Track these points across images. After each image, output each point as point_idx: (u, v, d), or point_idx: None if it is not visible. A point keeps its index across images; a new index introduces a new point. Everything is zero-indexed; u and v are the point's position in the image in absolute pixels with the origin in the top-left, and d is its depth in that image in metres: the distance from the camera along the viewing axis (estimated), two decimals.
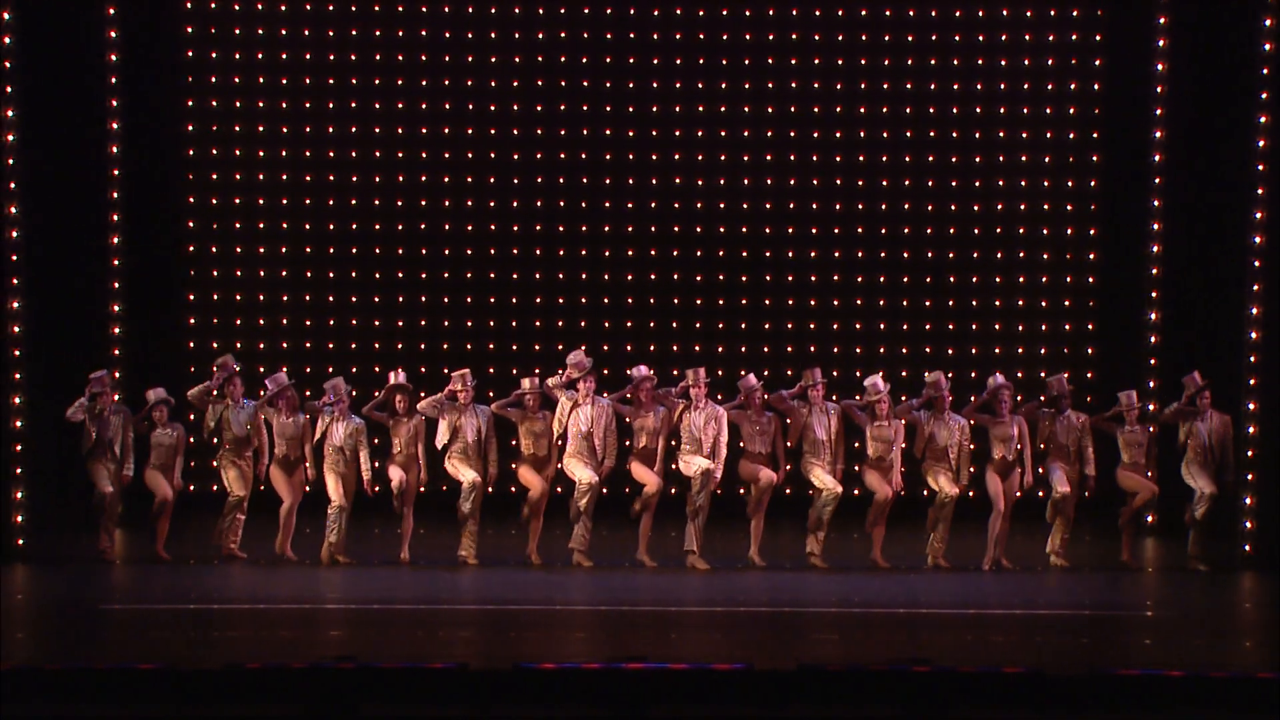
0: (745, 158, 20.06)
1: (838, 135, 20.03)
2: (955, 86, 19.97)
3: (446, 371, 17.76)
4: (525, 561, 16.75)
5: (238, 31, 19.91)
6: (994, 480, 16.83)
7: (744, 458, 16.85)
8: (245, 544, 16.98)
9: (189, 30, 19.89)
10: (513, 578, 16.17)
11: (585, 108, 20.06)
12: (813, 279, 20.06)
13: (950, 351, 19.89)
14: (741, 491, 16.96)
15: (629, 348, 19.86)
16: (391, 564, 16.63)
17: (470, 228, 20.08)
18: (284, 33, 19.98)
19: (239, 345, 19.80)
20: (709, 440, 16.63)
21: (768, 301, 20.06)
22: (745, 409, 16.81)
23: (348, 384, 16.86)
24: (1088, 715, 11.39)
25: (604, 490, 16.73)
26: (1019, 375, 19.36)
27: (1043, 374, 19.47)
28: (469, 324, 20.06)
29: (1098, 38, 19.89)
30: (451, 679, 11.67)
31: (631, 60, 20.02)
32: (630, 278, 20.09)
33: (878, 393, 16.68)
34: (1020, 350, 19.89)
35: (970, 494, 17.49)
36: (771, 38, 20.04)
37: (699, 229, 20.09)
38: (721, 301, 20.06)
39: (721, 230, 20.08)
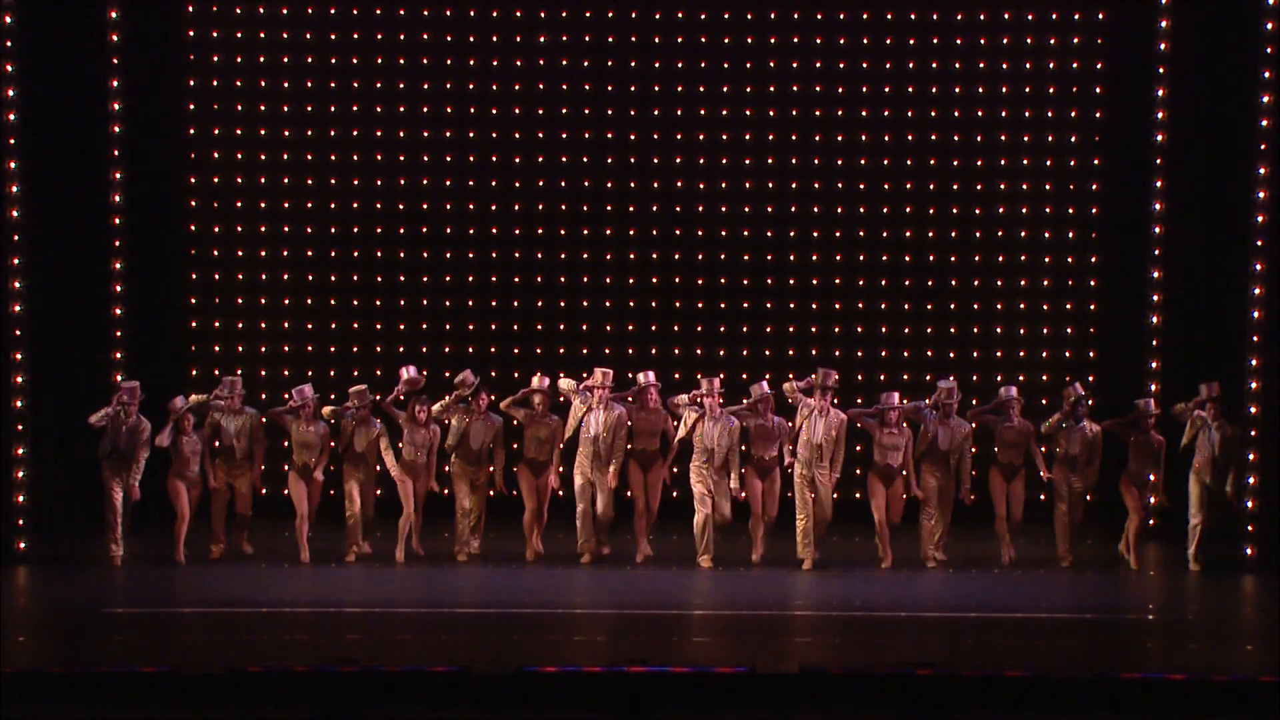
0: (747, 161, 20.02)
1: (839, 139, 20.01)
2: (957, 90, 19.95)
3: (448, 376, 17.77)
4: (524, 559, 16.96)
5: (238, 30, 19.89)
6: (997, 483, 17.01)
7: (749, 464, 16.89)
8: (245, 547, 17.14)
9: (190, 34, 19.87)
10: (514, 580, 16.18)
11: (587, 111, 20.04)
12: (814, 282, 20.04)
13: (952, 355, 19.89)
14: (744, 496, 16.93)
15: (630, 351, 19.83)
16: (393, 563, 16.75)
17: (472, 227, 20.06)
18: (284, 30, 19.95)
19: (240, 348, 19.82)
20: (722, 452, 16.60)
21: (769, 305, 20.03)
22: (755, 415, 16.79)
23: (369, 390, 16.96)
24: (1090, 719, 11.40)
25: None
26: (1020, 379, 19.33)
27: (1044, 377, 19.54)
28: (470, 327, 20.04)
29: (1099, 41, 19.89)
30: (454, 682, 11.68)
31: (633, 63, 19.99)
32: (632, 281, 20.06)
33: (891, 404, 16.74)
34: (1022, 354, 19.87)
35: (973, 498, 17.52)
36: (773, 41, 19.99)
37: (701, 231, 20.07)
38: (723, 305, 20.04)
39: (723, 233, 20.05)
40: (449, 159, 20.03)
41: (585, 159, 20.04)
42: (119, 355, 19.11)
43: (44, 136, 17.91)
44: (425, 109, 19.98)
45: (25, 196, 17.24)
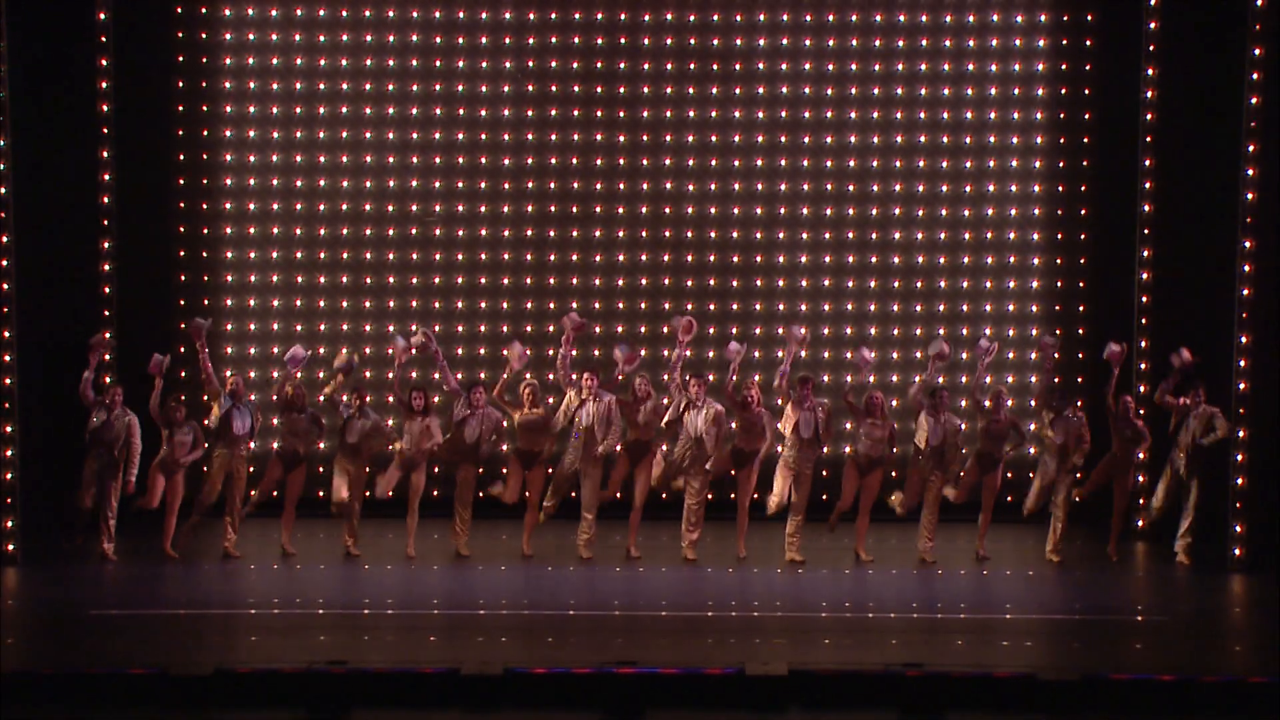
0: (737, 162, 20.05)
1: (828, 140, 20.00)
2: (946, 91, 19.97)
3: (435, 378, 17.76)
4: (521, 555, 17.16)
5: (227, 31, 19.87)
6: (973, 474, 17.25)
7: (730, 454, 17.06)
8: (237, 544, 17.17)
9: (179, 34, 19.84)
10: (503, 581, 16.17)
11: (577, 112, 20.05)
12: (803, 283, 20.05)
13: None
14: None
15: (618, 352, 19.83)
16: (390, 563, 16.76)
17: (460, 227, 20.02)
18: (273, 30, 19.94)
19: (229, 349, 19.81)
20: (710, 439, 16.80)
21: (758, 306, 20.03)
22: (743, 407, 17.02)
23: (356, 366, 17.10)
24: (1080, 719, 11.43)
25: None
26: (1009, 380, 19.37)
27: (1033, 378, 19.54)
28: (459, 327, 20.02)
29: (1088, 41, 19.90)
30: (443, 683, 11.69)
31: (622, 64, 19.99)
32: (622, 282, 20.08)
33: (876, 402, 16.95)
34: (1011, 355, 19.88)
35: (962, 499, 17.60)
36: (762, 42, 20.02)
37: (691, 232, 20.07)
38: (712, 306, 20.04)
39: (713, 234, 20.06)
40: (437, 159, 20.03)
41: (575, 160, 20.03)
42: (107, 356, 19.05)
43: (33, 136, 17.88)
44: (414, 109, 19.97)
45: (14, 196, 17.19)
